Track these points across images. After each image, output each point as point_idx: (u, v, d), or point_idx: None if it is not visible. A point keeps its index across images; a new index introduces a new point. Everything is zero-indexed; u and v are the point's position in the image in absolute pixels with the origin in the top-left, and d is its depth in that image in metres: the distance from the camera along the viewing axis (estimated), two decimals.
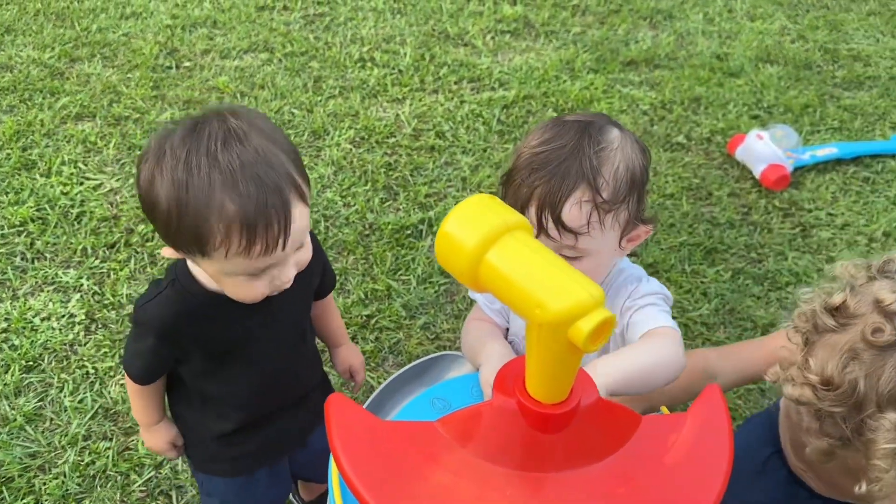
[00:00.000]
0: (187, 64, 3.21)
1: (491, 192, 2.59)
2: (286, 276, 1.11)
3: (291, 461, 1.49)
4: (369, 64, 3.32)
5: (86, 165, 2.59)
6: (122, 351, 1.96)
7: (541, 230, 1.13)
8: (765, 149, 2.74)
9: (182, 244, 1.07)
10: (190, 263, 1.18)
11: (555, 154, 1.12)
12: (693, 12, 3.86)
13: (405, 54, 3.39)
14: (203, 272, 1.16)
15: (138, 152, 2.58)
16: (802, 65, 3.57)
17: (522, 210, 1.15)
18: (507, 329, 1.35)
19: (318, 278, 1.37)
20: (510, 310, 1.37)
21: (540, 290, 0.67)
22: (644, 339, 1.14)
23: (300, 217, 1.06)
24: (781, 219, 2.63)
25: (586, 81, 3.29)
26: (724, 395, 0.85)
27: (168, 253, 1.13)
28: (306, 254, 1.14)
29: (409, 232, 2.44)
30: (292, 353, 1.34)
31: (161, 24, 3.44)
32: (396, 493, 0.73)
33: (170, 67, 3.17)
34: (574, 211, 1.11)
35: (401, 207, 2.55)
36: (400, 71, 3.29)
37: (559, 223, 1.11)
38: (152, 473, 1.71)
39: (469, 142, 2.88)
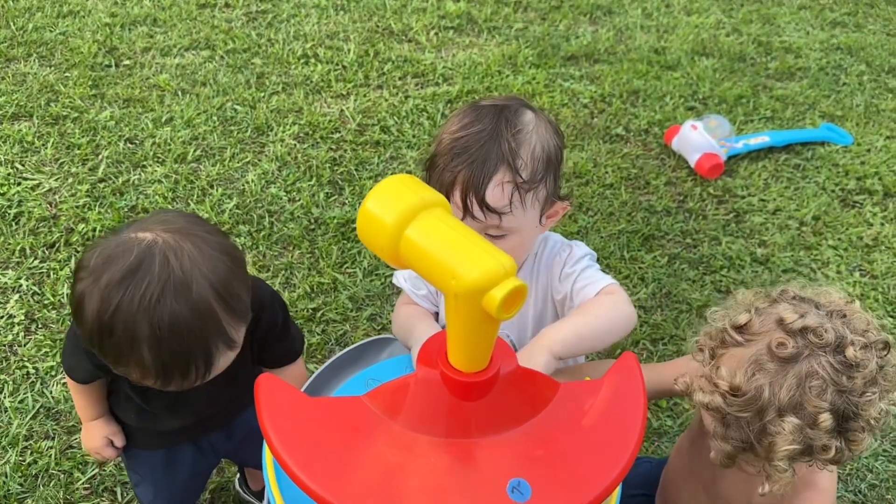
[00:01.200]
0: (127, 62, 3.17)
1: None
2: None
3: (223, 444, 1.49)
4: (313, 60, 3.32)
5: (23, 165, 2.55)
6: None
7: (466, 212, 1.17)
8: (699, 138, 2.83)
9: (98, 353, 1.09)
10: None
11: (474, 139, 1.16)
12: (632, 7, 3.95)
13: (349, 50, 3.40)
14: None
15: (77, 151, 2.56)
16: (737, 57, 3.69)
17: (447, 194, 1.18)
18: (437, 314, 1.39)
19: (261, 348, 1.33)
20: (439, 294, 1.42)
21: (454, 262, 0.71)
22: (593, 301, 1.21)
23: (224, 361, 1.10)
24: (716, 205, 2.72)
25: (528, 76, 3.35)
26: (638, 362, 0.90)
27: None
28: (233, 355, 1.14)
29: (354, 226, 2.45)
30: (222, 393, 1.33)
31: (100, 23, 3.39)
32: (327, 467, 0.75)
33: (109, 66, 3.13)
34: (496, 192, 1.16)
35: (346, 202, 2.57)
36: (344, 67, 3.30)
37: (483, 205, 1.15)
38: (95, 471, 1.70)
39: (414, 136, 2.91)
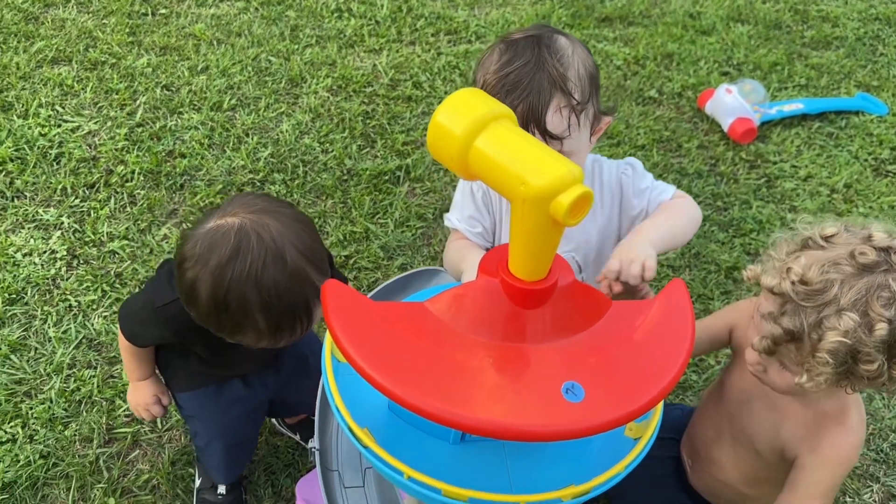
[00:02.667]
0: (163, 11, 3.18)
1: None
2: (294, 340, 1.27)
3: (272, 379, 1.54)
4: (346, 14, 3.32)
5: (63, 108, 2.58)
6: (103, 285, 2.00)
7: None
8: (733, 102, 2.81)
9: (215, 331, 1.24)
10: None
11: (522, 71, 1.19)
12: None
13: (382, 5, 3.40)
14: None
15: (116, 96, 2.59)
16: (772, 24, 3.64)
17: None
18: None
19: None
20: (496, 230, 1.45)
21: (524, 169, 0.73)
22: (672, 203, 1.37)
23: (319, 312, 1.22)
24: (747, 170, 2.71)
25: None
26: (686, 287, 0.93)
27: None
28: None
29: (386, 178, 2.48)
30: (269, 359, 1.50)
31: None
32: (392, 363, 0.79)
33: (146, 14, 3.15)
34: (556, 118, 1.18)
35: (378, 154, 2.59)
36: (377, 22, 3.30)
37: (545, 133, 1.18)
38: None
39: (446, 92, 2.91)
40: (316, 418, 1.15)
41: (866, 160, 2.82)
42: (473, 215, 1.40)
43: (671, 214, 1.32)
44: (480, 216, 1.40)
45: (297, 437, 1.72)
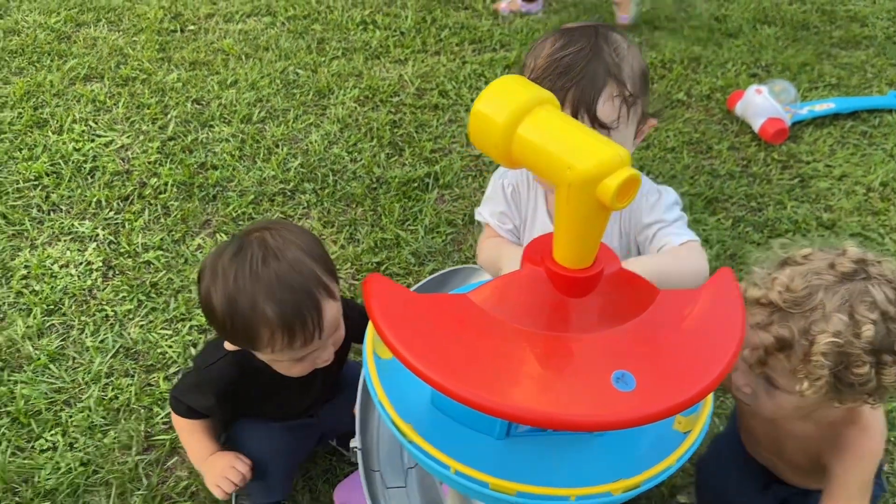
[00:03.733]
0: (192, 27, 3.23)
1: None
2: (325, 356, 1.32)
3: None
4: (371, 26, 3.35)
5: (96, 123, 2.62)
6: (139, 295, 2.01)
7: None
8: (764, 103, 2.78)
9: (238, 343, 1.30)
10: None
11: (577, 56, 1.17)
12: None
13: (406, 17, 3.42)
14: None
15: (147, 111, 2.63)
16: (800, 25, 3.61)
17: None
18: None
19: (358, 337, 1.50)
20: (522, 229, 1.44)
21: (569, 153, 0.72)
22: (676, 248, 1.25)
23: (330, 310, 1.25)
24: (780, 170, 2.68)
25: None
26: (734, 276, 0.91)
27: (229, 347, 1.36)
28: (341, 333, 1.34)
29: (415, 185, 2.48)
30: (321, 392, 1.55)
31: None
32: (434, 351, 0.78)
33: (174, 31, 3.20)
34: (607, 106, 1.17)
35: (406, 162, 2.59)
36: (402, 33, 3.32)
37: (595, 120, 1.17)
38: None
39: (472, 100, 2.90)
40: (357, 417, 1.15)
41: None
42: (504, 212, 1.39)
43: (668, 259, 1.23)
44: (510, 213, 1.39)
45: (335, 443, 1.72)
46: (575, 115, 1.18)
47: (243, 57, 3.05)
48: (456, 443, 0.91)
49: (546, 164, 0.74)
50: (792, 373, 1.16)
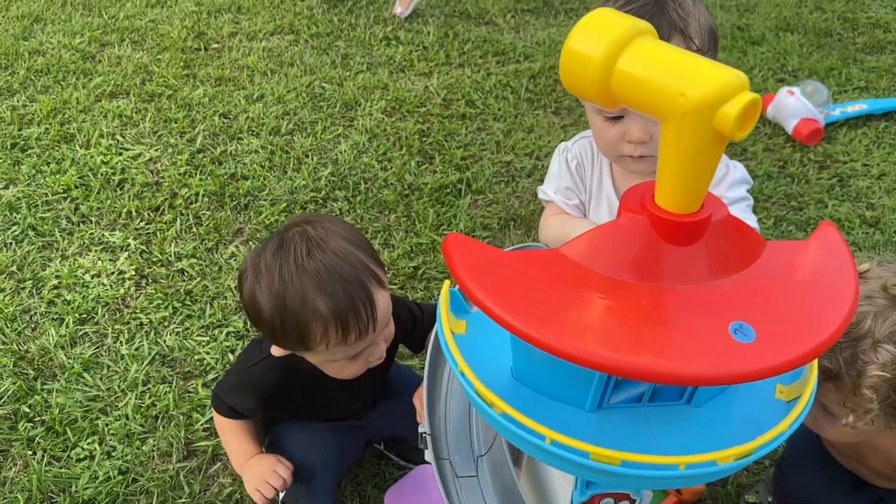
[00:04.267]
0: (215, 46, 3.23)
1: (526, 154, 2.58)
2: (378, 353, 1.26)
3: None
4: (394, 42, 3.34)
5: (123, 137, 2.60)
6: (174, 303, 1.96)
7: None
8: (797, 104, 2.74)
9: (288, 344, 1.22)
10: None
11: (641, 10, 1.13)
12: None
13: (429, 33, 3.41)
14: None
15: (175, 125, 2.61)
16: (822, 32, 3.59)
17: None
18: None
19: (405, 338, 1.48)
20: (588, 204, 1.39)
21: (681, 80, 0.67)
22: None
23: (382, 300, 1.19)
24: (818, 170, 2.63)
25: None
26: (838, 228, 0.85)
27: (277, 352, 1.29)
28: (391, 328, 1.28)
29: (448, 191, 2.44)
30: (369, 396, 1.51)
31: (186, 11, 3.47)
32: (528, 305, 0.72)
33: (198, 49, 3.19)
34: None
35: (437, 169, 2.55)
36: (425, 48, 3.31)
37: None
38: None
39: (499, 109, 2.89)
40: (424, 400, 1.09)
41: None
42: (570, 187, 1.34)
43: None
44: (576, 188, 1.34)
45: (382, 447, 1.65)
46: None
47: (268, 73, 3.04)
48: (544, 416, 0.85)
49: (653, 96, 0.69)
50: (841, 404, 1.11)
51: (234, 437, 1.44)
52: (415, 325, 1.43)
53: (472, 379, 0.86)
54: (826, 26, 3.66)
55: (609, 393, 0.87)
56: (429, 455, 1.07)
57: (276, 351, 1.29)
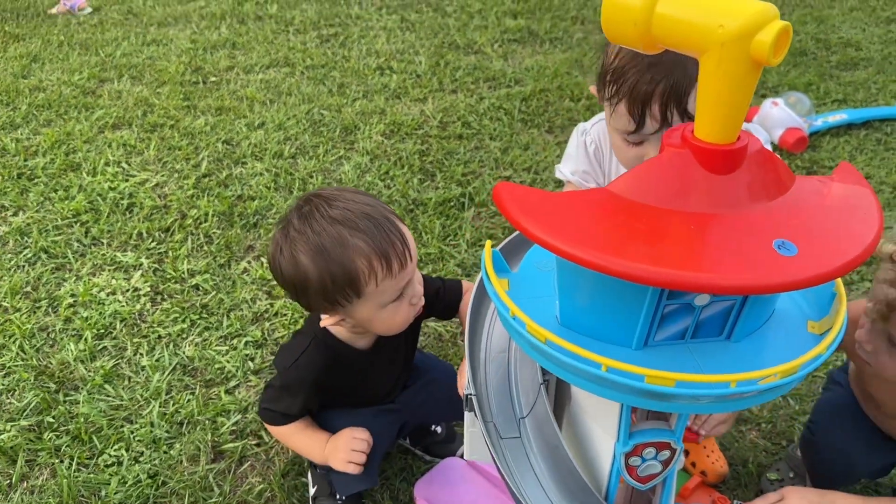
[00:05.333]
0: (213, 79, 3.30)
1: (525, 169, 2.63)
2: (417, 291, 1.30)
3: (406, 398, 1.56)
4: (388, 71, 3.44)
5: (129, 165, 2.64)
6: (191, 315, 1.98)
7: (664, 123, 1.16)
8: (781, 114, 2.85)
9: (341, 296, 1.23)
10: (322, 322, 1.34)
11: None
12: None
13: (420, 62, 3.51)
14: (337, 328, 1.34)
15: (179, 152, 2.65)
16: (798, 52, 3.74)
17: (643, 107, 1.16)
18: None
19: (427, 311, 1.50)
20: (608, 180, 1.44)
21: (717, 14, 0.74)
22: None
23: (408, 234, 1.26)
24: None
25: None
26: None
27: (327, 321, 1.32)
28: (418, 273, 1.33)
29: (451, 204, 2.49)
30: (402, 370, 1.54)
31: (182, 48, 3.55)
32: (580, 234, 0.77)
33: (197, 82, 3.26)
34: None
35: (440, 185, 2.61)
36: (418, 76, 3.41)
37: (685, 114, 1.15)
38: (239, 417, 1.71)
39: (495, 129, 2.97)
40: (466, 364, 1.12)
41: None
42: (587, 170, 1.39)
43: None
44: (594, 172, 1.39)
45: (408, 442, 1.67)
46: (664, 109, 1.14)
47: (267, 102, 3.11)
48: (596, 351, 0.89)
49: (693, 31, 0.75)
50: None
51: (299, 436, 1.44)
52: (438, 293, 1.48)
53: (525, 319, 0.90)
54: (801, 47, 3.82)
55: (654, 330, 0.91)
56: (468, 419, 1.09)
57: (326, 321, 1.31)
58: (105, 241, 2.27)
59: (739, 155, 0.80)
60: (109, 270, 2.15)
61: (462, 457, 1.70)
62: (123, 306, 2.01)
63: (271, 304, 2.02)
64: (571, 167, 1.42)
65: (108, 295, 2.05)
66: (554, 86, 3.32)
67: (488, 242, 0.99)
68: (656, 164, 0.84)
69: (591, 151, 1.40)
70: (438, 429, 1.68)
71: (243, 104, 3.07)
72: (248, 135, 2.85)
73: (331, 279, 1.20)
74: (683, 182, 0.81)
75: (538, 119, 3.06)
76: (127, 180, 2.55)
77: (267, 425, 1.46)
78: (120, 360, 1.86)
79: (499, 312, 0.95)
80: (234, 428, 1.68)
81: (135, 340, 1.91)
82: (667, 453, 1.07)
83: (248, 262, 2.19)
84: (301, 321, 1.96)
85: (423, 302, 1.33)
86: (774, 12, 0.73)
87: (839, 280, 0.97)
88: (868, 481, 1.60)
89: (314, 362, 1.36)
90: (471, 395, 1.10)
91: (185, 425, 1.70)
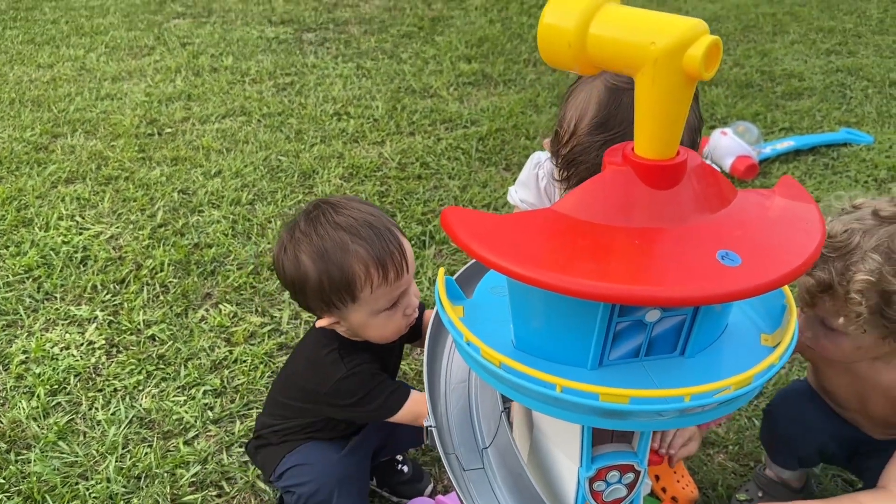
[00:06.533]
0: (169, 130, 3.29)
1: (484, 205, 2.65)
2: (412, 303, 1.32)
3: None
4: (345, 116, 3.46)
5: (83, 218, 2.60)
6: (147, 367, 1.94)
7: None
8: (730, 143, 2.93)
9: (337, 298, 1.26)
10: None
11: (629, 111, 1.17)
12: None
13: (377, 107, 3.55)
14: (347, 332, 1.35)
15: (134, 203, 2.62)
16: (744, 84, 3.86)
17: None
18: None
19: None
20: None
21: (648, 33, 0.75)
22: None
23: (408, 246, 1.30)
24: None
25: (551, 114, 3.48)
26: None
27: (322, 323, 1.32)
28: (416, 299, 1.35)
29: (413, 243, 2.49)
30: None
31: (137, 101, 3.54)
32: (529, 255, 0.77)
33: (152, 134, 3.25)
34: None
35: (400, 225, 2.60)
36: (375, 120, 3.44)
37: None
38: (199, 468, 1.66)
39: (453, 169, 2.99)
40: (427, 395, 1.10)
41: (866, 181, 2.91)
42: (535, 204, 1.41)
43: None
44: (541, 205, 1.41)
45: (374, 483, 1.64)
46: None
47: (224, 150, 3.10)
48: (550, 372, 0.89)
49: (626, 51, 0.77)
50: (836, 313, 1.21)
51: (415, 401, 1.38)
52: (421, 313, 1.47)
53: (479, 344, 0.89)
54: (746, 79, 3.94)
55: (608, 349, 0.91)
56: (434, 441, 1.08)
57: (321, 322, 1.31)
58: (58, 296, 2.21)
59: (679, 169, 0.82)
60: (63, 325, 2.09)
61: (431, 496, 1.66)
62: (78, 360, 1.96)
63: (230, 352, 1.98)
64: (522, 195, 1.44)
65: (61, 350, 2.00)
66: (510, 125, 3.37)
67: (441, 270, 0.99)
68: (599, 182, 0.85)
69: (543, 186, 1.42)
70: (405, 468, 1.65)
71: (199, 153, 3.05)
72: (204, 183, 2.83)
73: (328, 281, 1.24)
74: (626, 198, 0.82)
75: (495, 157, 3.09)
76: (80, 234, 2.50)
77: (400, 414, 1.37)
78: (74, 416, 1.80)
79: (454, 339, 0.94)
80: (193, 479, 1.63)
81: (90, 395, 1.86)
82: (631, 476, 1.06)
83: (206, 310, 2.15)
84: (262, 367, 1.93)
85: (416, 314, 1.34)
86: (704, 27, 0.75)
87: (789, 292, 0.98)
88: (827, 467, 1.62)
89: (355, 351, 1.34)
90: (430, 426, 1.08)
91: (142, 479, 1.64)
